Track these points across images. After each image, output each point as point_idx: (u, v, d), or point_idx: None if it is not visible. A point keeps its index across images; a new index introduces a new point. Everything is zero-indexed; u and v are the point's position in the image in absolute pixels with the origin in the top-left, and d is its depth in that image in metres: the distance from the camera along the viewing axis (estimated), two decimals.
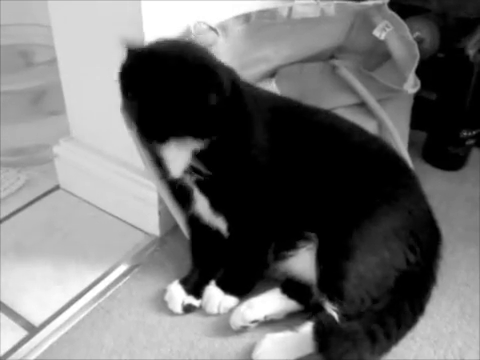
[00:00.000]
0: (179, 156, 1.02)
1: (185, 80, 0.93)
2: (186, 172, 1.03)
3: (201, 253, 1.17)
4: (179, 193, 1.12)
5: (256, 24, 1.21)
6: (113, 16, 1.12)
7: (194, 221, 1.16)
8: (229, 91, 0.97)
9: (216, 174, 1.03)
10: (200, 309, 1.10)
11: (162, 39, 1.00)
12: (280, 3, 1.24)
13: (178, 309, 1.09)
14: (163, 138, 0.99)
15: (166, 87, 0.93)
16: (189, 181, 1.05)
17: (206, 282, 1.11)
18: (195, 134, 0.98)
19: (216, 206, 1.08)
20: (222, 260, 1.14)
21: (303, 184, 1.04)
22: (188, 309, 1.09)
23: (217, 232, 1.14)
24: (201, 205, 1.10)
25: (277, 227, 1.07)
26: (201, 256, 1.16)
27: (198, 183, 1.05)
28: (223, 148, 1.01)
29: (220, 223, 1.10)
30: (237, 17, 1.22)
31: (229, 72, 1.01)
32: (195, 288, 1.10)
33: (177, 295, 1.09)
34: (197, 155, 1.01)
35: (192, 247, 1.18)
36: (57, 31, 1.27)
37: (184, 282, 1.11)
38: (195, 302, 1.09)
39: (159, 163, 1.08)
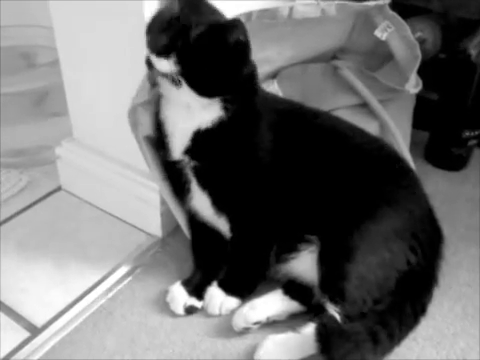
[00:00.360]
0: (189, 119, 1.01)
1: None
2: (186, 153, 1.03)
3: (203, 254, 1.17)
4: (178, 185, 1.11)
5: (257, 24, 1.21)
6: (115, 17, 1.12)
7: (195, 222, 1.16)
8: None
9: (216, 163, 1.02)
10: (202, 310, 1.10)
11: None
12: (281, 3, 1.24)
13: (180, 310, 1.09)
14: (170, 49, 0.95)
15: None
16: (188, 168, 1.05)
17: (208, 283, 1.11)
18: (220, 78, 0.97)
19: (217, 204, 1.08)
20: (224, 261, 1.14)
21: (305, 186, 1.04)
22: (190, 310, 1.09)
23: (218, 233, 1.14)
24: (201, 202, 1.09)
25: (279, 229, 1.07)
26: (203, 257, 1.16)
27: (197, 173, 1.05)
28: (228, 135, 1.01)
29: (222, 224, 1.10)
30: (238, 16, 1.22)
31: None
32: (197, 289, 1.10)
33: (179, 296, 1.09)
34: (201, 136, 1.00)
35: (194, 248, 1.18)
36: (59, 32, 1.27)
37: (186, 283, 1.11)
38: (197, 303, 1.09)
39: (161, 146, 1.08)
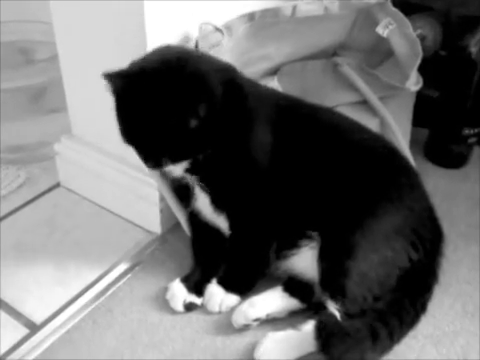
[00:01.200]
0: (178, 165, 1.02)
1: (164, 107, 0.92)
2: (187, 171, 1.03)
3: (202, 251, 1.16)
4: (180, 190, 1.11)
5: (259, 23, 1.21)
6: (115, 13, 1.11)
7: (195, 219, 1.16)
8: (218, 101, 0.96)
9: (217, 174, 1.03)
10: (202, 307, 1.09)
11: (148, 54, 1.00)
12: (284, 2, 1.24)
13: (179, 307, 1.08)
14: (159, 163, 0.99)
15: (149, 113, 0.93)
16: (190, 179, 1.05)
17: (208, 280, 1.10)
18: (188, 155, 0.99)
19: (217, 204, 1.08)
20: (223, 258, 1.13)
21: (305, 182, 1.04)
22: (190, 307, 1.09)
23: (218, 230, 1.13)
24: (202, 202, 1.09)
25: (279, 226, 1.06)
26: (202, 254, 1.16)
27: (199, 181, 1.05)
28: (223, 151, 1.00)
29: (221, 221, 1.10)
30: (241, 16, 1.22)
31: (227, 71, 1.01)
32: (197, 286, 1.10)
33: (179, 293, 1.09)
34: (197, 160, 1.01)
35: (193, 245, 1.18)
36: (58, 28, 1.26)
37: (186, 280, 1.11)
38: (197, 300, 1.09)
39: None
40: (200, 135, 0.95)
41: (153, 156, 0.98)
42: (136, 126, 0.95)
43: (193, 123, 0.93)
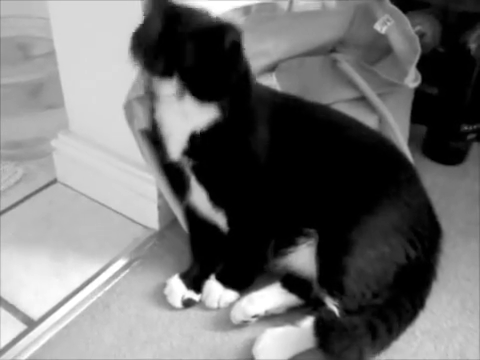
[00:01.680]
0: (185, 123, 1.00)
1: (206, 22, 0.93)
2: (184, 154, 1.02)
3: (201, 247, 1.16)
4: (177, 181, 1.11)
5: (256, 17, 1.21)
6: (111, 8, 1.11)
7: (192, 215, 1.15)
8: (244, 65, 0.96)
9: (214, 161, 1.02)
10: (200, 303, 1.09)
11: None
12: None
13: (178, 303, 1.08)
14: (167, 71, 0.94)
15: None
16: (187, 166, 1.04)
17: (206, 276, 1.10)
18: (198, 75, 0.94)
19: (215, 199, 1.07)
20: (222, 254, 1.14)
21: (303, 179, 1.04)
22: (188, 303, 1.09)
23: (216, 227, 1.13)
24: (200, 197, 1.09)
25: (277, 222, 1.06)
26: (201, 250, 1.16)
27: (196, 171, 1.04)
28: (224, 135, 1.00)
29: (219, 218, 1.10)
30: (236, 9, 1.21)
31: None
32: (195, 282, 1.10)
33: (177, 289, 1.09)
34: (198, 138, 0.99)
35: (191, 241, 1.18)
36: (55, 23, 1.26)
37: (184, 276, 1.10)
38: (195, 296, 1.09)
39: (158, 147, 1.07)
40: (220, 66, 0.93)
41: (168, 58, 0.93)
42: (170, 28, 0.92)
43: (227, 44, 0.90)
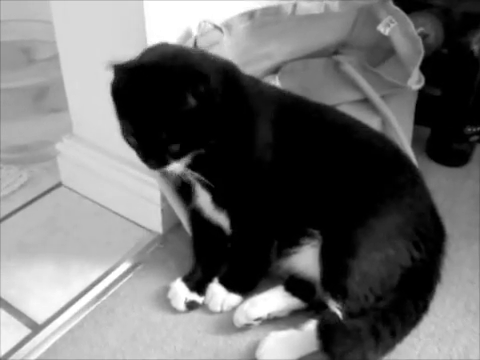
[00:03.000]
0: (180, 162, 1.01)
1: (163, 93, 0.91)
2: (188, 167, 1.02)
3: (203, 250, 1.16)
4: (181, 188, 1.11)
5: (260, 21, 1.21)
6: (115, 11, 1.11)
7: (196, 218, 1.16)
8: (219, 89, 0.95)
9: (218, 172, 1.02)
10: (203, 307, 1.09)
11: (151, 47, 1.00)
12: (284, 0, 1.23)
13: (181, 306, 1.08)
14: (162, 162, 0.98)
15: (148, 101, 0.92)
16: (191, 177, 1.05)
17: (209, 279, 1.11)
18: (190, 147, 0.97)
19: (218, 202, 1.07)
20: (224, 257, 1.14)
21: (307, 180, 1.04)
22: (191, 306, 1.09)
23: (219, 229, 1.13)
24: (203, 200, 1.09)
25: (280, 224, 1.06)
26: (203, 253, 1.16)
27: (200, 179, 1.04)
28: (225, 146, 1.00)
29: (222, 220, 1.10)
30: (241, 15, 1.22)
31: (225, 70, 1.00)
32: (198, 285, 1.10)
33: (180, 292, 1.09)
34: (199, 155, 1.00)
35: (194, 244, 1.18)
36: (59, 27, 1.26)
37: (187, 279, 1.11)
38: (198, 299, 1.09)
39: None
40: (201, 122, 0.94)
41: (155, 153, 0.96)
42: (137, 119, 0.94)
43: (192, 102, 0.91)
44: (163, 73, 0.92)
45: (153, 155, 0.97)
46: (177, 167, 0.99)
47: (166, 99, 0.91)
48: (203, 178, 1.02)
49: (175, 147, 0.95)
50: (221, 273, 1.11)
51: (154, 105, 0.91)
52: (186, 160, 0.99)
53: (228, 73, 1.00)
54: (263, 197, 1.05)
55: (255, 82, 1.09)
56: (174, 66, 0.93)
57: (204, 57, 1.00)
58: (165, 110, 0.92)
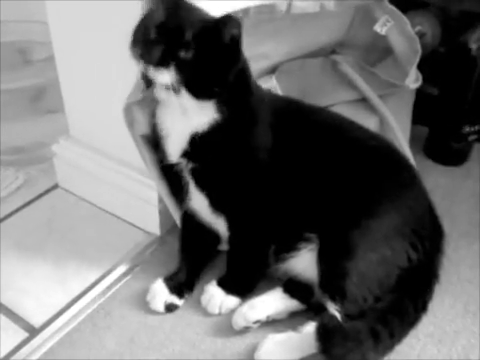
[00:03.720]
0: (184, 123, 0.99)
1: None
2: (184, 156, 1.02)
3: (191, 252, 1.16)
4: (176, 187, 1.10)
5: (255, 20, 1.20)
6: (111, 13, 1.11)
7: (188, 220, 1.15)
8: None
9: (214, 164, 1.01)
10: (201, 309, 1.09)
11: None
12: None
13: (161, 308, 1.08)
14: (163, 60, 0.91)
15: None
16: (186, 170, 1.04)
17: (190, 283, 1.12)
18: (198, 69, 0.92)
19: (214, 204, 1.07)
20: (209, 261, 1.16)
21: (304, 183, 1.03)
22: (170, 308, 1.09)
23: (210, 232, 1.13)
24: (199, 203, 1.08)
25: (277, 227, 1.06)
26: (190, 255, 1.16)
27: (195, 174, 1.04)
28: (224, 136, 0.99)
29: (219, 223, 1.09)
30: (235, 12, 1.21)
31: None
32: (178, 287, 1.10)
33: (160, 294, 1.09)
34: (197, 139, 0.99)
35: (182, 245, 1.18)
36: (54, 28, 1.25)
37: (168, 279, 1.11)
38: (178, 301, 1.09)
39: (158, 149, 1.07)
40: (219, 59, 0.93)
41: (163, 51, 0.91)
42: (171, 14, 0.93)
43: (227, 36, 0.92)
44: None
45: (158, 50, 0.91)
46: (164, 79, 0.93)
47: (208, 22, 0.93)
48: (196, 165, 1.01)
49: (186, 54, 0.91)
50: (219, 275, 1.11)
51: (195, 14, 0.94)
52: (179, 75, 0.93)
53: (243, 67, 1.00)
54: (260, 200, 1.05)
55: (255, 85, 1.08)
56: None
57: None
58: (202, 23, 0.92)
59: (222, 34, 0.91)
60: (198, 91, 0.94)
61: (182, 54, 0.91)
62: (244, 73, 1.00)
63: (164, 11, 0.92)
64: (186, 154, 1.01)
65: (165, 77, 0.92)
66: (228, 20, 0.91)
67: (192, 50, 0.91)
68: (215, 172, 1.02)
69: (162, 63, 0.91)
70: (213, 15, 0.96)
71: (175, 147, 1.02)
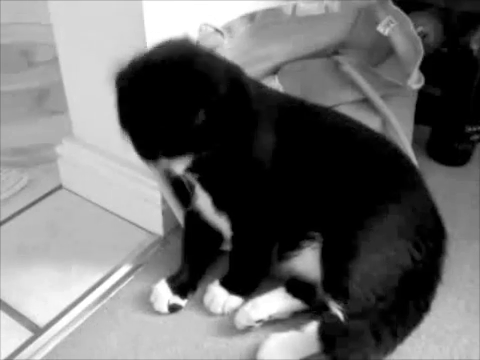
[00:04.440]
0: (180, 162, 1.01)
1: (166, 105, 0.91)
2: (188, 170, 1.02)
3: (194, 252, 1.17)
4: (181, 188, 1.11)
5: (261, 23, 1.21)
6: (114, 14, 1.11)
7: (192, 219, 1.16)
8: (222, 101, 0.94)
9: (218, 175, 1.02)
10: (204, 308, 1.09)
11: (155, 47, 0.98)
12: (284, 2, 1.23)
13: (164, 309, 1.08)
14: (153, 156, 0.98)
15: (151, 108, 0.92)
16: (191, 178, 1.05)
17: (193, 283, 1.12)
18: (184, 152, 0.97)
19: (219, 204, 1.07)
20: (212, 261, 1.16)
21: (307, 183, 1.04)
22: (174, 309, 1.09)
23: (214, 232, 1.14)
24: (203, 202, 1.09)
25: (281, 226, 1.06)
26: (194, 255, 1.16)
27: (200, 180, 1.04)
28: (225, 151, 0.99)
29: (223, 222, 1.10)
30: (242, 17, 1.22)
31: (232, 71, 1.00)
32: (181, 288, 1.10)
33: (163, 295, 1.09)
34: (200, 159, 0.99)
35: (185, 245, 1.18)
36: (58, 29, 1.26)
37: (171, 280, 1.11)
38: (181, 302, 1.09)
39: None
40: (200, 133, 0.94)
41: (148, 147, 0.97)
42: (136, 117, 0.94)
43: (195, 123, 0.91)
44: (171, 82, 0.91)
45: (145, 148, 0.98)
46: (176, 167, 1.00)
47: (170, 113, 0.91)
48: (201, 182, 1.02)
49: (168, 150, 0.96)
50: (222, 275, 1.11)
51: (156, 114, 0.92)
52: (184, 162, 0.99)
53: (234, 75, 0.99)
54: (264, 200, 1.05)
55: (257, 85, 1.09)
56: (183, 74, 0.92)
57: (213, 60, 0.99)
58: (166, 122, 0.92)
59: (192, 120, 0.92)
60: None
61: (159, 149, 0.96)
62: (239, 93, 0.99)
63: (127, 126, 0.97)
64: (190, 169, 1.02)
65: (177, 168, 1.01)
66: (198, 101, 0.91)
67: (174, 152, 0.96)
68: (220, 177, 1.03)
69: (154, 158, 0.99)
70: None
71: (178, 167, 1.02)
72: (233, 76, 0.99)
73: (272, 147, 1.03)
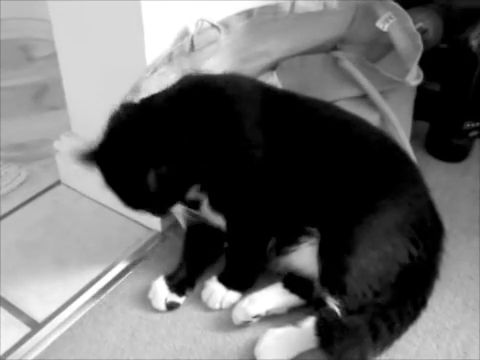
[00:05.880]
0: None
1: (126, 171, 0.98)
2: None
3: (194, 249, 1.17)
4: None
5: (258, 20, 1.21)
6: (112, 9, 1.11)
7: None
8: (182, 155, 0.98)
9: (213, 176, 1.03)
10: (201, 304, 1.09)
11: (114, 117, 1.05)
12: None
13: (162, 306, 1.08)
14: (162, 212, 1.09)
15: (119, 177, 1.01)
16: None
17: (191, 281, 1.12)
18: (169, 204, 1.06)
19: (214, 204, 1.07)
20: (213, 259, 1.16)
21: (304, 178, 1.04)
22: (171, 306, 1.09)
23: (215, 230, 1.13)
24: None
25: (277, 221, 1.06)
26: (194, 252, 1.16)
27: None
28: (217, 158, 1.02)
29: (219, 220, 1.10)
30: (239, 13, 1.21)
31: (211, 88, 1.04)
32: (180, 285, 1.10)
33: (160, 292, 1.09)
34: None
35: (186, 242, 1.18)
36: (56, 25, 1.26)
37: (170, 277, 1.11)
38: (178, 300, 1.09)
39: None
40: (170, 186, 0.99)
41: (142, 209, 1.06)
42: (119, 189, 1.03)
43: (150, 185, 0.96)
44: (127, 148, 0.99)
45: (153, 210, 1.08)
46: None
47: (133, 180, 0.98)
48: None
49: (155, 209, 1.07)
50: (220, 271, 1.11)
51: (123, 180, 1.00)
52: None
53: (215, 92, 1.03)
54: (260, 197, 1.05)
55: (246, 80, 1.10)
56: (135, 149, 0.97)
57: (171, 103, 1.02)
58: (135, 186, 0.99)
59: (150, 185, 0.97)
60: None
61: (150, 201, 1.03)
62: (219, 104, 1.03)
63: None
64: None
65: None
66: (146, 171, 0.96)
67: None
68: (213, 178, 1.04)
69: (163, 211, 1.09)
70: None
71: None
72: (214, 93, 1.04)
73: (262, 143, 1.02)
